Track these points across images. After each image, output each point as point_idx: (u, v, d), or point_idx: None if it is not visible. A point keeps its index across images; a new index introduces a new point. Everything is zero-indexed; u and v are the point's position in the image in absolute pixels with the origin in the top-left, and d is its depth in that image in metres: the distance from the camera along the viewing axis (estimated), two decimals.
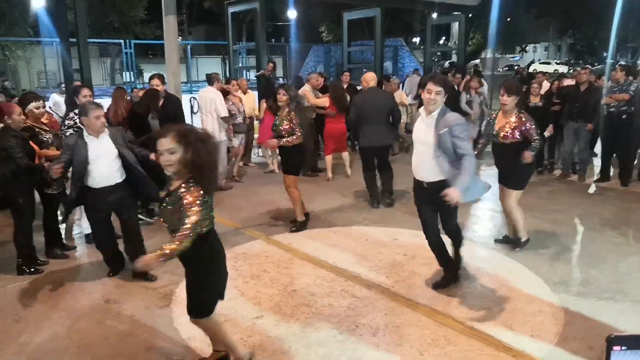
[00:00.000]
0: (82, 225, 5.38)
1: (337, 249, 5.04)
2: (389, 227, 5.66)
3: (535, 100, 7.22)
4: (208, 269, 2.85)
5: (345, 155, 8.00)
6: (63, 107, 7.84)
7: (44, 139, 4.75)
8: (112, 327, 3.64)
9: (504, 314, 3.71)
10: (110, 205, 4.27)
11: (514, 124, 4.55)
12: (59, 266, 4.73)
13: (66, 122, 5.09)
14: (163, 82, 6.31)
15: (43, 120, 4.97)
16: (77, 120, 4.97)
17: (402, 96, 9.86)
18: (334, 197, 6.91)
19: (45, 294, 4.18)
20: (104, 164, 4.12)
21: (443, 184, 3.65)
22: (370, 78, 6.54)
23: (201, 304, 2.89)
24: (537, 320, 3.62)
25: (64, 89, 9.52)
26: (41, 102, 4.88)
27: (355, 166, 8.62)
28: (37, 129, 4.73)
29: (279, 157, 8.30)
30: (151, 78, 6.35)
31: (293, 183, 5.51)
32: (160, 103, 6.04)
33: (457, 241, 4.16)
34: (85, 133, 4.15)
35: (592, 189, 7.28)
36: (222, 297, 2.96)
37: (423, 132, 3.80)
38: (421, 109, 3.89)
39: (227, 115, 7.17)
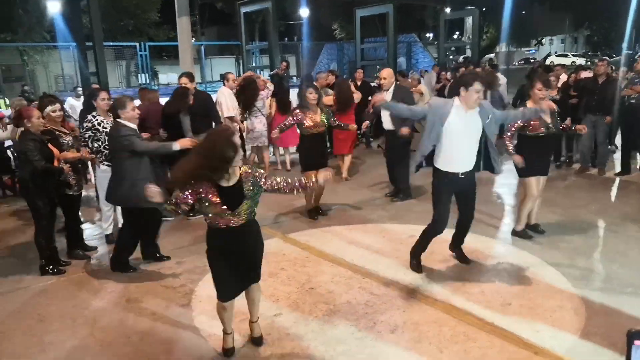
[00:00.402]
0: (102, 225, 5.45)
1: (354, 246, 5.04)
2: (405, 223, 5.64)
3: (552, 94, 7.12)
4: None
5: (347, 158, 7.78)
6: (79, 111, 7.94)
7: (64, 141, 4.83)
8: (134, 325, 3.69)
9: (524, 309, 3.68)
10: None
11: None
12: (80, 266, 4.80)
13: (85, 124, 5.15)
14: (192, 80, 6.37)
15: (63, 123, 5.06)
16: (95, 123, 5.05)
17: (422, 88, 9.80)
18: (348, 195, 6.90)
19: (68, 293, 4.26)
20: None
21: (473, 173, 4.15)
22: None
23: None
24: (558, 315, 3.58)
25: (79, 92, 9.63)
26: (57, 105, 4.97)
27: (368, 163, 8.60)
28: (57, 132, 4.81)
29: (291, 156, 8.35)
30: (180, 77, 6.47)
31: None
32: (191, 101, 6.09)
33: (469, 228, 4.47)
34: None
35: (613, 182, 7.16)
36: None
37: (464, 125, 3.97)
38: (457, 104, 3.99)
39: (232, 115, 7.25)
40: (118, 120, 4.42)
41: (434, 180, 4.20)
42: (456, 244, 4.59)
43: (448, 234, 4.50)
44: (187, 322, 3.71)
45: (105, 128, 5.06)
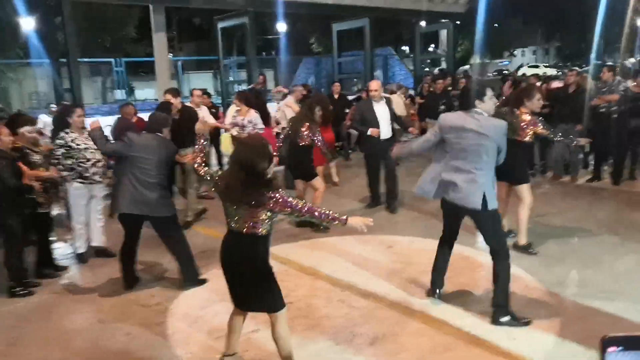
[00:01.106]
0: (74, 244, 5.33)
1: (333, 258, 5.02)
2: (384, 235, 5.65)
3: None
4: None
5: (332, 164, 7.90)
6: (50, 128, 7.81)
7: (33, 159, 4.74)
8: (108, 346, 3.60)
9: None
10: None
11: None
12: (52, 287, 4.68)
13: (57, 141, 5.05)
14: (176, 96, 6.38)
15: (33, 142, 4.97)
16: (69, 140, 4.97)
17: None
18: (327, 206, 6.85)
19: (40, 315, 4.14)
20: None
21: None
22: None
23: None
24: (534, 322, 3.60)
25: (52, 108, 9.47)
26: (34, 126, 4.94)
27: (346, 175, 8.63)
28: (26, 150, 4.72)
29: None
30: (165, 93, 6.52)
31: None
32: (176, 116, 6.06)
33: None
34: None
35: (585, 189, 7.30)
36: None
37: None
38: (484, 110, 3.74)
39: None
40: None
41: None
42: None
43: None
44: (163, 340, 3.63)
45: (79, 145, 4.99)
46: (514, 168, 4.61)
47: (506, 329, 3.53)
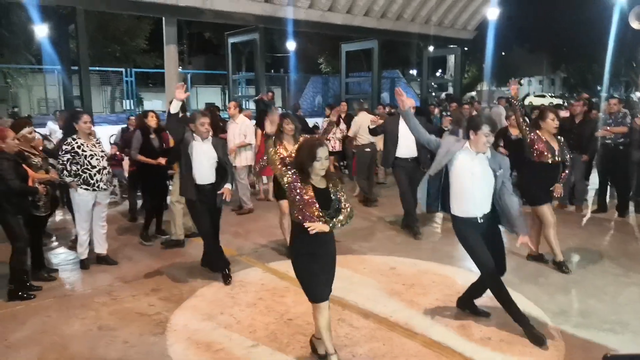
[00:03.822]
0: (78, 250, 5.32)
1: (335, 277, 4.98)
2: (386, 255, 5.62)
3: (515, 133, 7.11)
4: None
5: None
6: (58, 134, 7.86)
7: (34, 162, 4.77)
8: (104, 354, 3.57)
9: (503, 344, 3.66)
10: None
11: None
12: (52, 292, 4.66)
13: (64, 147, 5.07)
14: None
15: (33, 144, 5.03)
16: (75, 146, 5.00)
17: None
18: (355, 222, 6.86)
19: (37, 319, 4.11)
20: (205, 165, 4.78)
21: (495, 217, 3.87)
22: None
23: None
24: (537, 351, 3.56)
25: (59, 115, 9.53)
26: (32, 128, 4.98)
27: (348, 193, 8.63)
28: (26, 153, 4.76)
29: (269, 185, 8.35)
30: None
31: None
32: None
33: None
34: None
35: (590, 219, 7.28)
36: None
37: (471, 166, 3.76)
38: (467, 146, 3.81)
39: None
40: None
41: (456, 229, 3.91)
42: (470, 298, 4.14)
43: (452, 274, 4.49)
44: (161, 351, 3.60)
45: (85, 151, 5.01)
46: (524, 189, 5.04)
47: (508, 356, 3.49)
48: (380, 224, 6.93)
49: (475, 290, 4.08)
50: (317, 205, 3.15)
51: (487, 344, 3.66)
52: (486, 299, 4.06)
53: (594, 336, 3.77)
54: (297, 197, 3.15)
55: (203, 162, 4.74)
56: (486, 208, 3.81)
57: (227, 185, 4.86)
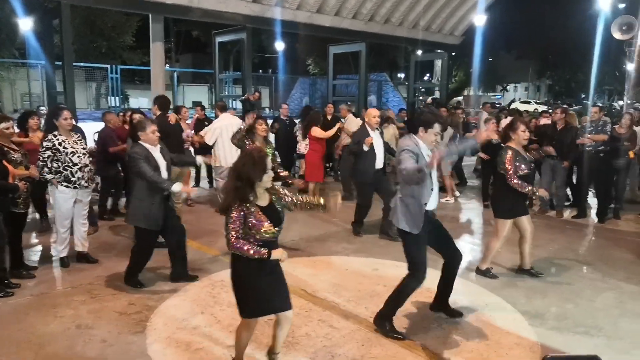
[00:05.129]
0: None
1: (316, 278, 5.01)
2: (369, 257, 5.65)
3: (494, 137, 7.18)
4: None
5: (311, 186, 8.05)
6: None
7: (13, 158, 4.71)
8: (82, 352, 3.54)
9: (481, 346, 3.71)
10: None
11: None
12: (31, 290, 4.60)
13: (45, 143, 5.01)
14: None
15: (13, 139, 4.99)
16: (56, 142, 4.93)
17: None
18: (312, 226, 6.89)
19: (14, 317, 4.05)
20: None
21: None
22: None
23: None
24: (514, 353, 3.62)
25: (42, 112, 9.42)
26: (10, 122, 4.94)
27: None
28: (5, 148, 4.70)
29: None
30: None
31: None
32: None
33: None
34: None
35: (570, 225, 7.40)
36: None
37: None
38: (423, 142, 3.84)
39: None
40: (138, 142, 4.58)
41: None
42: (442, 299, 4.19)
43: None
44: (140, 350, 3.58)
45: (66, 148, 4.96)
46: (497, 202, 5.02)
47: (485, 357, 3.53)
48: (364, 227, 6.96)
49: (443, 289, 4.16)
50: (270, 222, 2.96)
51: (465, 346, 3.70)
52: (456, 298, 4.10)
53: (570, 339, 3.83)
54: (253, 221, 2.91)
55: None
56: (436, 202, 3.95)
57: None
